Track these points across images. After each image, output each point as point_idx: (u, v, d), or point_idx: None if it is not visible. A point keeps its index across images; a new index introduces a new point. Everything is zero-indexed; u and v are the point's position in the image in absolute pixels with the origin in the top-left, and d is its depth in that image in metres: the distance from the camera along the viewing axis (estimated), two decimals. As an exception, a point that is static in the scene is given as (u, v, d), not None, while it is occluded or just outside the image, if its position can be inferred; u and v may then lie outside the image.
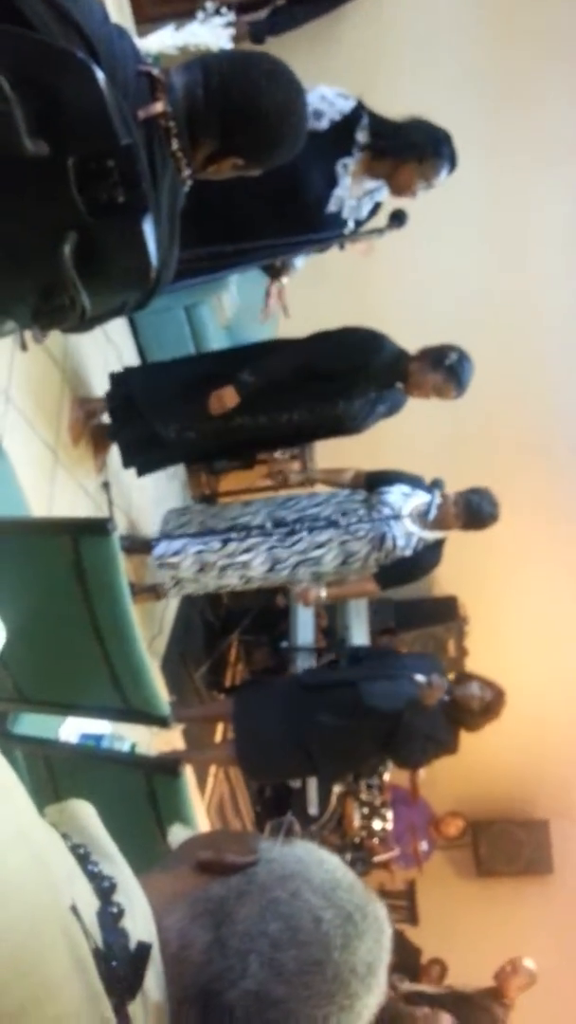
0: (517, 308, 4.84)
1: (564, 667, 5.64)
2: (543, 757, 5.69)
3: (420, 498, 3.46)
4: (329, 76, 3.99)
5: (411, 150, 2.81)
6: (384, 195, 2.97)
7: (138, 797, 1.71)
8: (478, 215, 4.68)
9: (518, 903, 5.92)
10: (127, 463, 3.59)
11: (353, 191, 2.88)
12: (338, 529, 3.45)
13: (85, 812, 0.79)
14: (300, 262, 3.10)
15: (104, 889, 0.69)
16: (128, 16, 2.72)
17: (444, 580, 5.37)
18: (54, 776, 1.83)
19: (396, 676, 3.56)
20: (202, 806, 4.33)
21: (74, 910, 0.63)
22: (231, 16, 2.69)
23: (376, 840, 5.18)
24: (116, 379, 3.49)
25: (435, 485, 3.45)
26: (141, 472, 3.67)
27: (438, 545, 3.49)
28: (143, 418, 3.38)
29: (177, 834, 0.86)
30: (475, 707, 3.47)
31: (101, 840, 0.76)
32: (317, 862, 0.74)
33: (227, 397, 3.16)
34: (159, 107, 1.43)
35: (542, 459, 5.12)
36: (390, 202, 2.87)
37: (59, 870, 0.66)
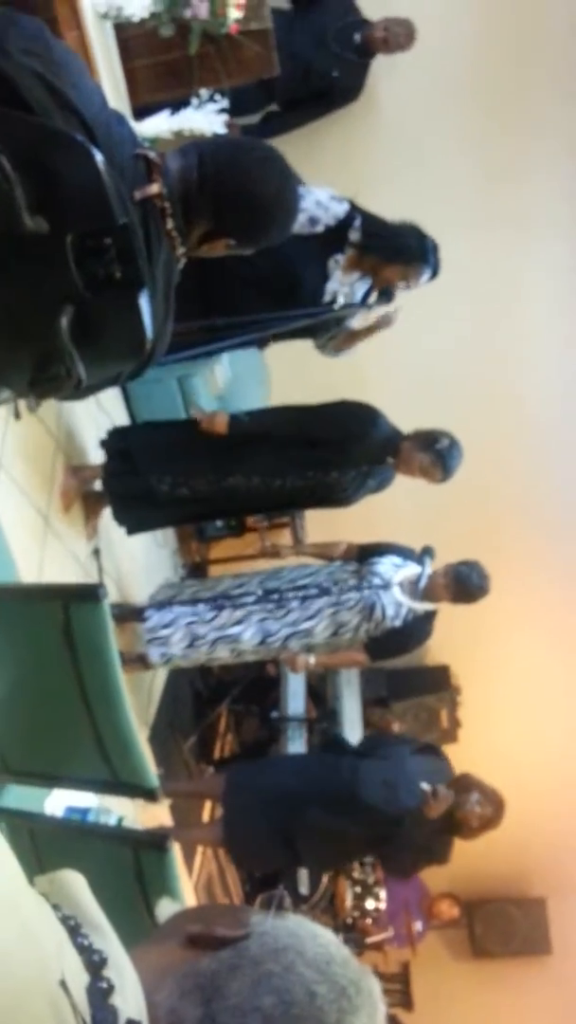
0: (506, 380, 4.94)
1: (559, 739, 5.56)
2: (539, 832, 5.56)
3: (411, 569, 3.48)
4: (321, 176, 4.19)
5: (400, 253, 3.00)
6: None
7: (125, 872, 1.67)
8: (467, 289, 4.79)
9: (515, 986, 5.72)
10: (119, 519, 3.60)
11: (344, 280, 3.05)
12: (329, 596, 3.45)
13: (76, 883, 0.78)
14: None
15: (94, 963, 0.67)
16: (125, 100, 2.83)
17: (436, 649, 5.33)
18: (38, 850, 1.79)
19: (398, 777, 3.45)
20: (190, 884, 4.21)
21: (63, 984, 0.61)
22: (225, 103, 2.81)
23: (369, 920, 5.04)
24: (115, 432, 3.55)
25: (425, 554, 3.46)
26: (131, 531, 3.68)
27: (429, 617, 3.49)
28: (138, 472, 3.41)
29: (165, 908, 0.84)
30: (475, 824, 3.40)
31: (91, 912, 0.75)
32: (310, 936, 0.73)
33: (218, 421, 3.21)
34: (155, 188, 1.48)
35: (533, 529, 5.15)
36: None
37: (48, 943, 0.64)
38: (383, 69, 4.42)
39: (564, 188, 4.75)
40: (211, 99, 2.78)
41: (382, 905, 5.01)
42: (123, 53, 2.80)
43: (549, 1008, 5.50)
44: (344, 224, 2.99)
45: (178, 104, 2.77)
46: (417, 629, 3.48)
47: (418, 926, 5.49)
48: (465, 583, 3.40)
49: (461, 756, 3.72)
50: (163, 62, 2.89)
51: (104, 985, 0.66)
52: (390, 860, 3.45)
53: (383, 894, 5.02)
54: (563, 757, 5.57)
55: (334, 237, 3.00)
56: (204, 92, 2.80)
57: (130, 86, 2.84)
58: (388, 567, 3.49)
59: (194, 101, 2.78)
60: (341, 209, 2.97)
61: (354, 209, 3.00)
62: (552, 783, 5.42)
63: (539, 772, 5.18)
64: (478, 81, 4.57)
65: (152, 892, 1.67)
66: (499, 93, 4.59)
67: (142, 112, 2.87)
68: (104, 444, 3.51)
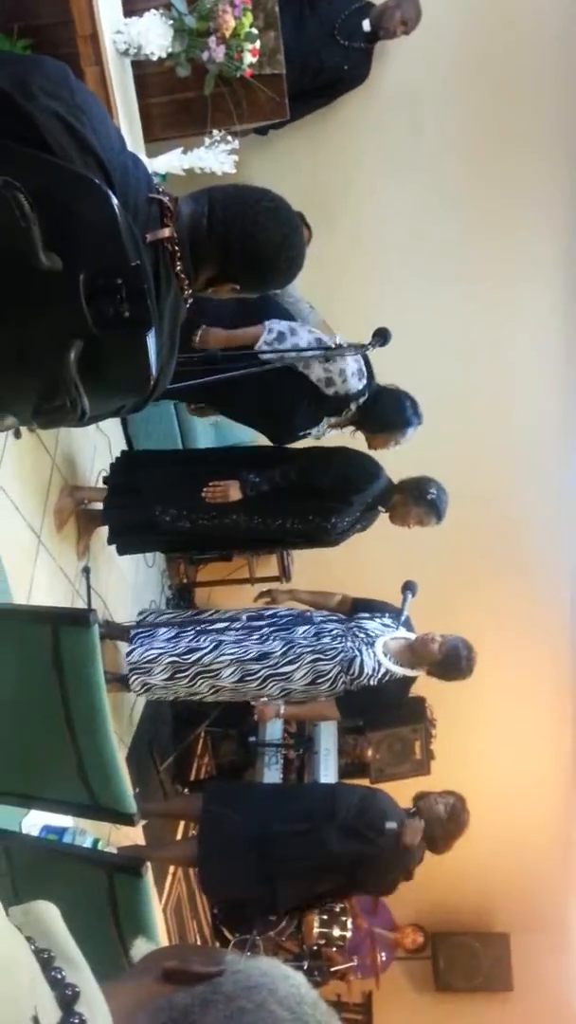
0: (489, 427, 5.01)
1: (529, 779, 5.60)
2: (504, 869, 5.59)
3: (398, 634, 3.54)
4: (319, 167, 4.25)
5: (385, 429, 3.30)
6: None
7: (98, 895, 1.69)
8: (454, 336, 4.90)
9: (476, 1021, 5.71)
10: (112, 540, 3.64)
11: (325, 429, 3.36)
12: (311, 626, 3.50)
13: (50, 915, 0.78)
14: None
15: (67, 998, 0.68)
16: (139, 135, 2.89)
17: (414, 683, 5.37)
18: (13, 868, 1.81)
19: (374, 796, 3.54)
20: (159, 906, 4.21)
21: (35, 1021, 0.62)
22: (235, 143, 2.87)
23: (334, 948, 5.02)
24: (124, 457, 3.60)
25: (408, 588, 3.52)
26: (122, 552, 3.72)
27: (406, 682, 3.54)
28: (141, 501, 3.45)
29: (140, 948, 0.85)
30: (443, 815, 3.44)
31: (65, 945, 0.75)
32: (283, 976, 0.74)
33: (232, 491, 3.27)
34: (166, 232, 1.53)
35: (513, 571, 5.20)
36: (377, 319, 3.02)
37: (22, 977, 0.65)
38: (383, 51, 4.43)
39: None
40: (223, 140, 2.85)
41: (348, 934, 5.00)
42: (140, 89, 2.86)
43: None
44: (352, 398, 3.20)
45: (191, 142, 2.82)
46: (390, 691, 3.53)
47: (382, 956, 5.48)
48: (456, 657, 3.47)
49: (432, 788, 3.74)
50: (178, 100, 2.96)
51: (76, 1021, 0.66)
52: (368, 881, 3.43)
53: (350, 923, 5.01)
54: (532, 796, 5.60)
55: (338, 406, 3.23)
56: (216, 133, 2.87)
57: (145, 122, 2.90)
58: (376, 626, 3.55)
59: (206, 140, 2.84)
60: (357, 387, 3.18)
61: (367, 388, 3.21)
62: (519, 820, 5.45)
63: (508, 810, 5.20)
64: (480, 62, 4.57)
65: (123, 915, 1.68)
66: (500, 77, 4.60)
67: (155, 144, 2.93)
68: (108, 480, 3.56)
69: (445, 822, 3.43)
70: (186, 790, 4.75)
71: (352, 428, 3.39)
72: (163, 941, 3.78)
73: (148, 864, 1.72)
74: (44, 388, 1.53)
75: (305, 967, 4.68)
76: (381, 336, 2.95)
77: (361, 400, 3.23)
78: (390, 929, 5.59)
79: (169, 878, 4.49)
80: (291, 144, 4.47)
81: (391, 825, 3.38)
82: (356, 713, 3.63)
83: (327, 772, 4.57)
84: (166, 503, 3.43)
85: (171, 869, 4.48)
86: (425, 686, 5.37)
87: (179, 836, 4.38)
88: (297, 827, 3.39)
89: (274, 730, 4.66)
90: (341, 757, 4.86)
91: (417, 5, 4.17)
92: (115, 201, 1.41)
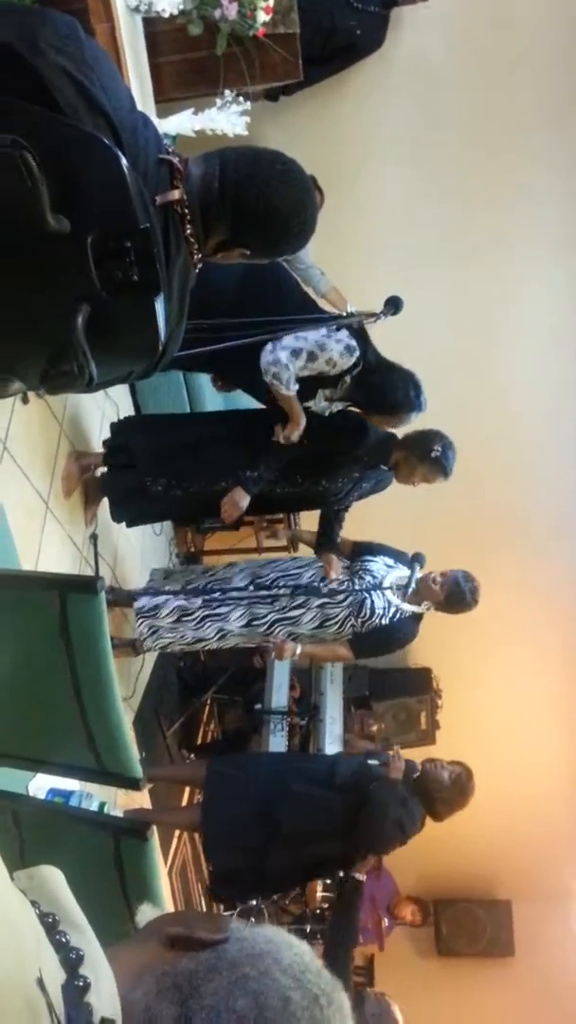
0: (498, 395, 4.99)
1: (532, 748, 5.64)
2: (508, 837, 5.64)
3: (401, 572, 3.52)
4: (330, 135, 4.19)
5: (382, 409, 3.19)
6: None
7: (104, 858, 1.70)
8: (462, 309, 4.87)
9: (478, 986, 5.80)
10: (116, 517, 3.64)
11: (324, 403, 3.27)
12: (319, 597, 3.50)
13: (55, 879, 0.79)
14: None
15: (71, 961, 0.69)
16: (150, 95, 2.84)
17: (420, 652, 5.39)
18: (21, 831, 1.82)
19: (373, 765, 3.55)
20: (164, 869, 4.27)
21: (40, 983, 0.63)
22: (247, 105, 2.82)
23: (337, 913, 5.09)
24: (116, 428, 3.58)
25: (416, 560, 3.51)
26: (130, 524, 3.72)
27: (416, 618, 3.54)
28: (134, 469, 3.45)
29: (145, 913, 0.85)
30: (446, 780, 3.46)
31: (70, 909, 0.76)
32: (287, 944, 0.75)
33: (240, 500, 3.28)
34: (176, 194, 1.50)
35: (522, 542, 5.20)
36: (386, 290, 2.98)
37: (28, 940, 0.65)
38: (399, 18, 4.39)
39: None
40: (235, 100, 2.80)
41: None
42: (151, 48, 2.80)
43: (510, 1009, 5.59)
44: (344, 372, 3.12)
45: (202, 102, 2.77)
46: (402, 629, 3.53)
47: (386, 922, 5.56)
48: (459, 593, 3.45)
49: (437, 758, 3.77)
50: (190, 60, 2.90)
51: (80, 983, 0.67)
52: (363, 829, 3.42)
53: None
54: (535, 765, 5.65)
55: (332, 381, 3.15)
56: (228, 93, 2.81)
57: (156, 81, 2.84)
58: (380, 567, 3.54)
59: (218, 101, 2.79)
60: (347, 363, 3.09)
61: (358, 362, 3.10)
62: (523, 789, 5.50)
63: (511, 778, 5.24)
64: (496, 41, 4.52)
65: (130, 879, 1.70)
66: (515, 50, 4.54)
67: (166, 105, 2.88)
68: (106, 442, 3.55)
69: (447, 788, 3.45)
70: (192, 756, 4.79)
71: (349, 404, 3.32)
72: (168, 904, 3.84)
73: (154, 827, 1.74)
74: (51, 353, 1.51)
75: (308, 930, 4.75)
76: (393, 305, 2.91)
77: (355, 371, 3.15)
78: (393, 896, 5.65)
79: (175, 841, 4.55)
80: (302, 111, 4.42)
81: (374, 762, 3.42)
82: (369, 652, 3.63)
83: (332, 740, 4.60)
84: (156, 474, 3.42)
85: (176, 832, 4.53)
86: (432, 656, 5.43)
87: (184, 802, 4.43)
88: (298, 789, 3.42)
89: (280, 698, 4.68)
90: (345, 728, 4.87)
91: None
92: (124, 162, 1.38)
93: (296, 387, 3.07)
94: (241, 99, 2.79)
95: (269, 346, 2.99)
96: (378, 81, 4.50)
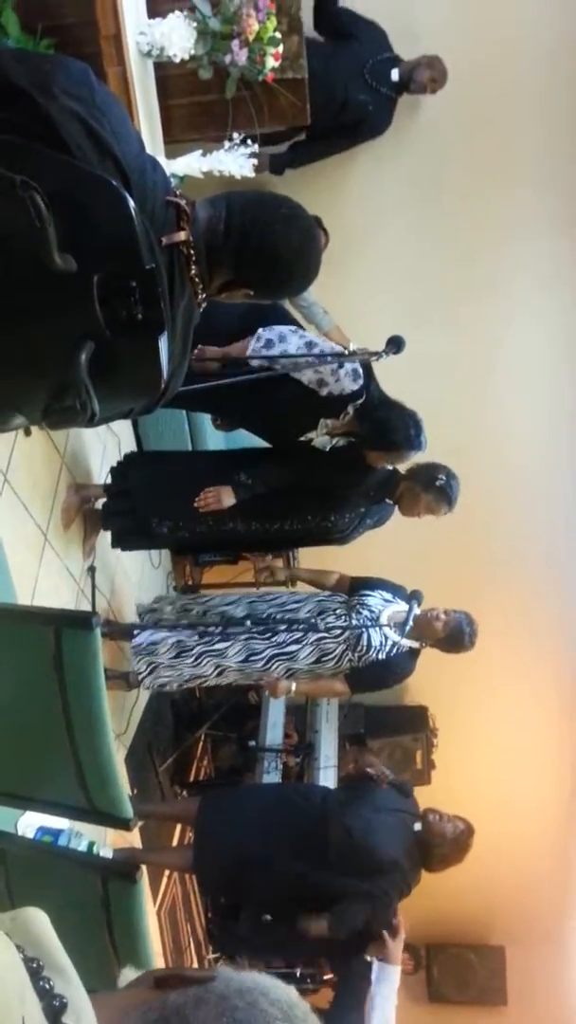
0: (497, 431, 5.01)
1: (527, 789, 5.58)
2: (502, 881, 5.56)
3: (399, 606, 3.52)
4: (337, 207, 4.28)
5: (384, 445, 3.18)
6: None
7: (92, 899, 1.68)
8: (463, 346, 4.91)
9: (470, 1035, 5.70)
10: (116, 544, 3.64)
11: (324, 436, 3.26)
12: (316, 632, 3.48)
13: (39, 921, 0.78)
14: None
15: (54, 1008, 0.68)
16: (159, 136, 2.89)
17: (416, 690, 5.37)
18: (7, 869, 1.80)
19: (374, 813, 3.45)
20: (153, 908, 4.20)
21: None
22: (255, 148, 2.86)
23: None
24: (117, 471, 3.59)
25: (414, 597, 3.50)
26: (125, 548, 3.73)
27: (413, 654, 3.52)
28: (138, 511, 3.45)
29: (127, 976, 0.84)
30: (448, 834, 3.41)
31: (54, 953, 0.75)
32: (273, 984, 0.75)
33: (224, 496, 3.24)
34: (182, 236, 1.52)
35: (518, 579, 5.19)
36: (387, 329, 3.01)
37: (11, 987, 0.65)
38: (407, 108, 4.47)
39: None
40: (243, 143, 2.84)
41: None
42: (161, 91, 2.85)
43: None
44: (348, 399, 3.14)
45: (210, 144, 2.81)
46: (399, 664, 3.51)
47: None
48: (460, 633, 3.44)
49: (432, 799, 3.72)
50: (199, 103, 2.95)
51: None
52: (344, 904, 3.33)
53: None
54: (531, 810, 5.59)
55: (334, 407, 3.16)
56: (236, 136, 2.86)
57: (165, 123, 2.89)
58: (378, 601, 3.53)
59: (226, 144, 2.84)
60: (353, 387, 3.11)
61: (362, 390, 3.13)
62: (519, 834, 5.44)
63: (507, 822, 5.18)
64: (507, 124, 4.63)
65: (118, 921, 1.68)
66: (522, 136, 4.66)
67: (174, 146, 2.92)
68: (106, 488, 3.56)
69: (447, 842, 3.40)
70: (184, 792, 4.74)
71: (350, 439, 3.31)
72: (156, 944, 3.77)
73: (143, 869, 1.71)
74: (54, 389, 1.52)
75: (298, 974, 4.67)
76: (395, 344, 2.93)
77: (358, 402, 3.16)
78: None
79: (165, 880, 4.49)
80: (307, 186, 4.45)
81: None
82: (366, 687, 3.61)
83: (326, 780, 4.55)
84: (161, 515, 3.43)
85: (167, 872, 4.47)
86: (428, 695, 5.39)
87: (175, 841, 4.37)
88: (280, 866, 3.33)
89: (274, 735, 4.65)
90: (340, 765, 4.83)
91: (444, 66, 4.22)
92: (131, 203, 1.40)
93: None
94: (249, 141, 2.84)
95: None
96: (386, 161, 4.60)
